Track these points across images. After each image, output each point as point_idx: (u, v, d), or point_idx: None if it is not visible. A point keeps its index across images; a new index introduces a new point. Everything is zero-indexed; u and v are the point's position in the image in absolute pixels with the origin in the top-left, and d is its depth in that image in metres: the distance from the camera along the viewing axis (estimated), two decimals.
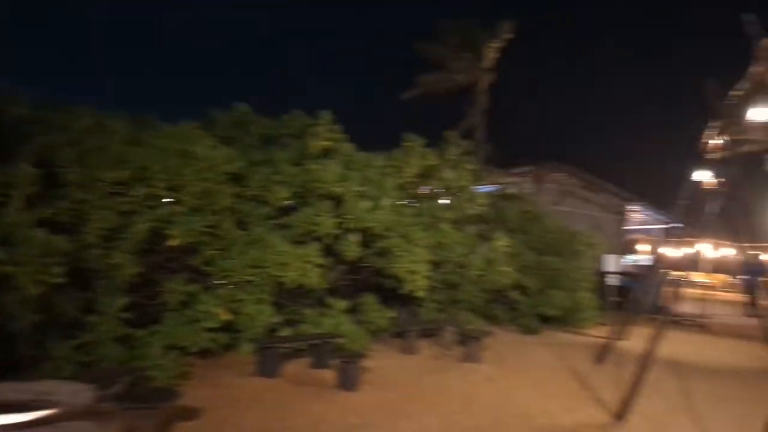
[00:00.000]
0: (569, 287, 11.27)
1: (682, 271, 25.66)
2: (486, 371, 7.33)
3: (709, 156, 9.20)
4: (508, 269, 9.33)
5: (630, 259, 17.59)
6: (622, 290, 14.67)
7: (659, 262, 17.80)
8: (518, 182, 14.33)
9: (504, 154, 22.70)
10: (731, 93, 7.94)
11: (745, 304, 13.98)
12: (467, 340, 8.01)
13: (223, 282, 6.71)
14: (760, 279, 11.26)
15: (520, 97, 37.94)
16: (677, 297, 16.81)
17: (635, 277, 15.67)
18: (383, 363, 7.28)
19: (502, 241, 9.56)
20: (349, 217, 7.23)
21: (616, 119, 45.27)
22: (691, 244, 27.46)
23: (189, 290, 6.37)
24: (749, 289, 11.06)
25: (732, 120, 7.64)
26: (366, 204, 7.27)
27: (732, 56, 7.89)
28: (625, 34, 44.02)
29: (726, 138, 7.89)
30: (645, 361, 5.87)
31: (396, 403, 5.72)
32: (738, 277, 20.67)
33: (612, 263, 12.71)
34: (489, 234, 10.01)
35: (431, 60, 26.10)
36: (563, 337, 10.63)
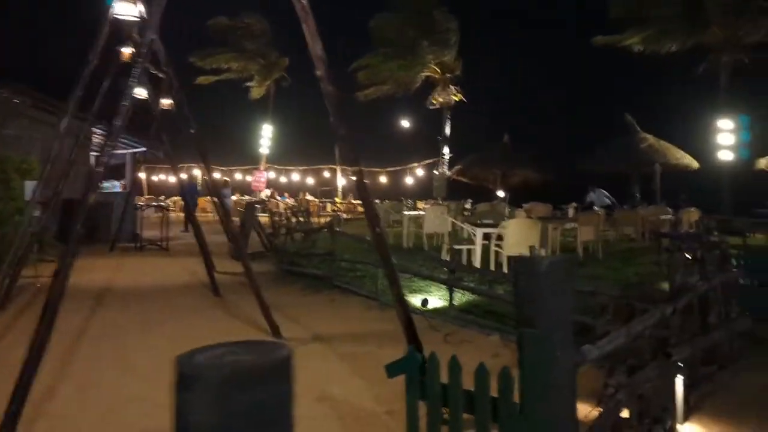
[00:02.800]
0: None
1: (154, 196, 26.28)
2: None
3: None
4: None
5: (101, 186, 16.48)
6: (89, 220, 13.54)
7: (131, 188, 17.35)
8: None
9: None
10: None
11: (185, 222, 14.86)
12: None
13: None
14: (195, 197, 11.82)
15: None
16: (148, 222, 16.78)
17: (105, 205, 14.71)
18: None
19: None
20: None
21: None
22: (166, 169, 28.14)
23: None
24: (186, 207, 11.41)
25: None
26: None
27: None
28: None
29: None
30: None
31: None
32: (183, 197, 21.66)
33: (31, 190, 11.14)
34: None
35: None
36: None
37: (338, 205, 27.41)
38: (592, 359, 2.61)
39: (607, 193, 16.58)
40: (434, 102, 25.55)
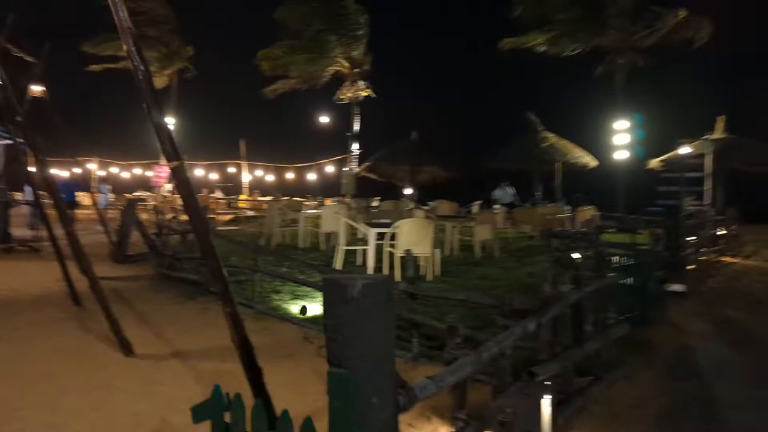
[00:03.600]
0: None
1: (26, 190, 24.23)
2: None
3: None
4: None
5: None
6: None
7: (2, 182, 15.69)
8: None
9: None
10: None
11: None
12: None
13: None
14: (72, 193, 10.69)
15: None
16: (26, 220, 15.29)
17: None
18: None
19: None
20: None
21: None
22: (63, 163, 26.13)
23: None
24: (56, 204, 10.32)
25: None
26: None
27: None
28: None
29: None
30: None
31: None
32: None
33: None
34: None
35: None
36: None
37: (241, 202, 26.33)
38: (427, 397, 2.19)
39: (514, 191, 16.70)
40: (342, 97, 25.02)
